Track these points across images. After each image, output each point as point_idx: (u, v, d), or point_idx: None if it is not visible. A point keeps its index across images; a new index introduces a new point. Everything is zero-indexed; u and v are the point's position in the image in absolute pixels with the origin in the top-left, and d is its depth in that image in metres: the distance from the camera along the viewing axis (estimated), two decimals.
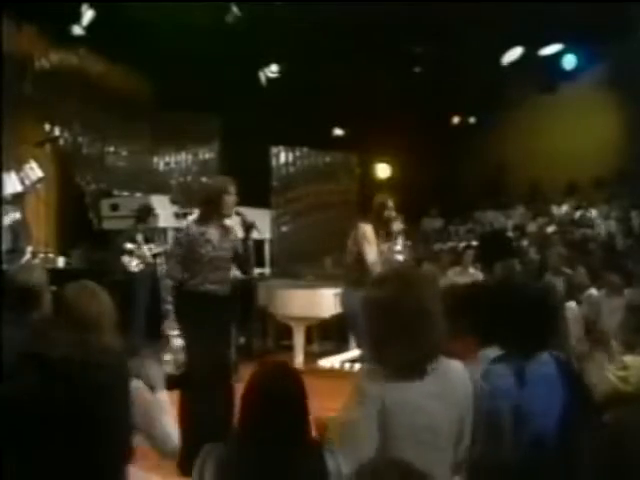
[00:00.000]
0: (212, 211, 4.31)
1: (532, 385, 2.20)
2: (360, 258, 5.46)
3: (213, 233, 4.26)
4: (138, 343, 7.14)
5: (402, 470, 1.34)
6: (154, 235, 7.92)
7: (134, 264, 7.42)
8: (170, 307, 4.10)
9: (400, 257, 5.60)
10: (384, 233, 5.59)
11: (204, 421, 3.89)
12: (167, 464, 2.98)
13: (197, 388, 4.07)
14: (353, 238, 5.61)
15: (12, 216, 5.92)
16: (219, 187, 4.38)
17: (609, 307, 6.50)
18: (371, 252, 5.41)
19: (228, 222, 4.47)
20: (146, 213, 7.88)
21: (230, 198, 4.34)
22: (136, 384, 2.21)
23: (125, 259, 7.42)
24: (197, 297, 4.17)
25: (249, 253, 4.61)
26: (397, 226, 5.64)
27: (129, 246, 7.52)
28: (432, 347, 2.04)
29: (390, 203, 5.63)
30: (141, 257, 7.48)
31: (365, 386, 2.03)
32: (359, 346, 6.06)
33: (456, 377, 2.12)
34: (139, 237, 7.63)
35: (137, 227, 7.78)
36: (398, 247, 5.62)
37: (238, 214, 7.21)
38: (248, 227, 7.13)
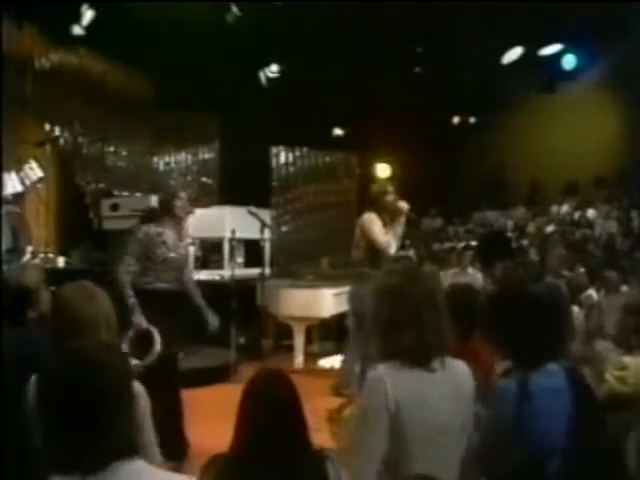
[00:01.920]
0: (166, 214, 4.66)
1: (538, 399, 2.14)
2: (371, 248, 5.36)
3: (169, 235, 4.56)
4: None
5: None
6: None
7: None
8: (135, 300, 4.28)
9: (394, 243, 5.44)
10: (389, 219, 5.48)
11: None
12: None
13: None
14: (359, 231, 5.51)
15: (10, 209, 5.94)
16: (170, 193, 4.84)
17: (607, 306, 6.49)
18: (381, 234, 5.33)
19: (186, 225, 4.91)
20: (154, 214, 7.74)
21: (180, 202, 4.67)
22: (137, 386, 2.21)
23: None
24: (147, 294, 4.32)
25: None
26: (402, 204, 5.48)
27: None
28: (439, 335, 2.09)
29: (390, 188, 5.55)
30: None
31: (379, 385, 2.04)
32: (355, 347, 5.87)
33: (462, 377, 2.16)
34: None
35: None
36: (400, 228, 5.45)
37: (252, 213, 7.20)
38: (262, 227, 7.13)
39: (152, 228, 4.55)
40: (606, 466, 2.18)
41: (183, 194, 4.74)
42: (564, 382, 2.20)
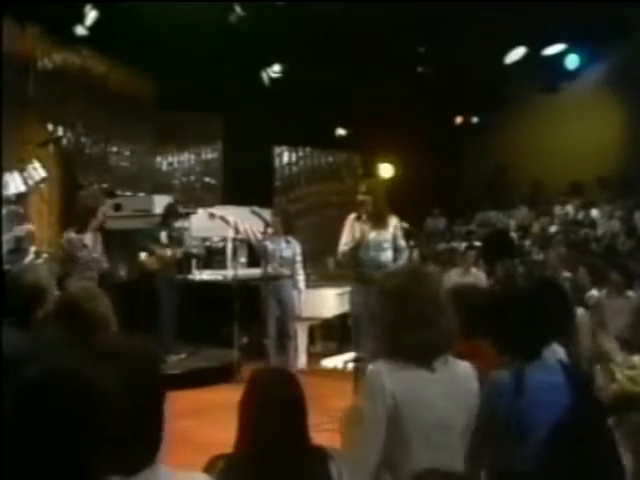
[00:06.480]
0: (89, 221, 5.33)
1: (533, 392, 2.13)
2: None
3: (89, 239, 5.28)
4: (156, 344, 7.08)
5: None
6: (181, 236, 7.67)
7: (152, 264, 7.19)
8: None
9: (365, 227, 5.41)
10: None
11: None
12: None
13: None
14: None
15: (23, 228, 6.07)
16: (95, 200, 5.46)
17: (611, 309, 6.46)
18: (341, 240, 5.46)
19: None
20: (171, 213, 7.61)
21: (103, 209, 5.39)
22: None
23: (142, 258, 7.17)
24: None
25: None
26: (360, 197, 5.45)
27: (150, 246, 7.24)
28: (443, 335, 2.09)
29: (362, 187, 5.53)
30: (161, 257, 7.22)
31: (376, 380, 2.04)
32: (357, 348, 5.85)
33: (465, 377, 2.15)
34: (163, 237, 7.36)
35: (161, 227, 7.49)
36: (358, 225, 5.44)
37: (255, 213, 7.19)
38: (265, 226, 7.14)
39: (74, 235, 5.29)
40: (603, 464, 2.17)
41: (105, 200, 5.50)
42: (562, 378, 2.20)
